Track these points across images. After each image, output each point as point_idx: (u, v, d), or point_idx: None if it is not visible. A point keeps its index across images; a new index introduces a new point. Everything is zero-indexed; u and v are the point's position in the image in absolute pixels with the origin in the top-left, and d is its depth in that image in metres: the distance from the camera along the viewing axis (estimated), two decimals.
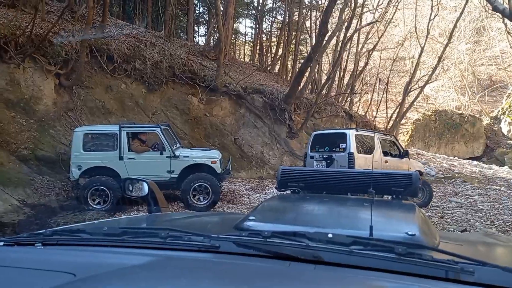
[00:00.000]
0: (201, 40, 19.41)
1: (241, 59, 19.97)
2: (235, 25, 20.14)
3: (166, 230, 1.14)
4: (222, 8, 13.95)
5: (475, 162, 18.19)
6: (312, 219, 1.47)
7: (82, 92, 10.14)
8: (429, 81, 18.91)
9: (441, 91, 26.92)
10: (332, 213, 1.59)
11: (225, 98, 12.64)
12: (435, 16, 17.78)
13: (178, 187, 7.68)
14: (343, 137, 8.24)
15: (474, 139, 20.13)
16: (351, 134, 8.19)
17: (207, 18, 18.81)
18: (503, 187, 12.53)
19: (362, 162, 8.05)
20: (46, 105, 9.31)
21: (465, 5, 17.21)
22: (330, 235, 1.00)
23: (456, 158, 18.11)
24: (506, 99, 21.95)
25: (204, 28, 20.09)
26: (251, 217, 1.40)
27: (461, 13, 17.68)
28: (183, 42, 14.55)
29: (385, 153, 9.14)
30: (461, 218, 7.80)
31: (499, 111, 21.78)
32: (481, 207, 8.96)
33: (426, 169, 10.19)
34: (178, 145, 8.32)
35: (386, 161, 8.71)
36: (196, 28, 19.71)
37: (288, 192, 1.94)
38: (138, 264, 0.98)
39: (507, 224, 7.18)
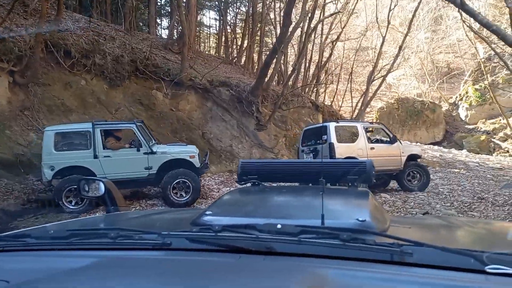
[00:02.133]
0: (164, 33, 18.99)
1: (206, 52, 19.72)
2: (199, 17, 19.84)
3: (116, 230, 1.11)
4: (184, 0, 13.68)
5: (436, 147, 18.99)
6: (267, 211, 1.48)
7: (39, 90, 9.66)
8: (391, 70, 19.47)
9: (403, 79, 27.81)
10: (287, 203, 1.61)
11: (191, 92, 12.46)
12: (394, 6, 18.26)
13: (157, 184, 7.65)
14: (325, 130, 8.95)
15: (434, 125, 21.00)
16: (331, 126, 8.91)
17: (169, 10, 18.39)
18: (462, 170, 13.18)
19: (344, 151, 8.69)
20: (1, 105, 8.81)
21: None
22: (279, 226, 1.02)
23: (418, 143, 18.82)
24: (463, 86, 22.99)
25: (167, 20, 19.67)
26: (207, 212, 1.40)
27: (419, 3, 18.27)
28: (145, 35, 14.17)
29: (376, 141, 9.77)
30: (423, 201, 8.13)
31: (457, 97, 22.79)
32: (442, 190, 9.39)
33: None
34: (153, 141, 8.23)
35: (372, 148, 9.20)
36: (158, 21, 19.26)
37: (249, 184, 1.96)
38: (84, 266, 0.96)
39: (465, 204, 7.57)
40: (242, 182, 1.99)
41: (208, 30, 22.35)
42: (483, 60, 20.81)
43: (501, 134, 18.67)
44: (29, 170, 8.40)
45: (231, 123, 13.21)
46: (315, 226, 1.06)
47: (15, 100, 9.17)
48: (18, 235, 1.24)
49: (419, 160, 9.95)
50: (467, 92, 21.69)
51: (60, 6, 10.29)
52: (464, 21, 15.22)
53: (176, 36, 15.27)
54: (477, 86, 20.98)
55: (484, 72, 19.41)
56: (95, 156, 7.19)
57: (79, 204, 6.97)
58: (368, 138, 9.42)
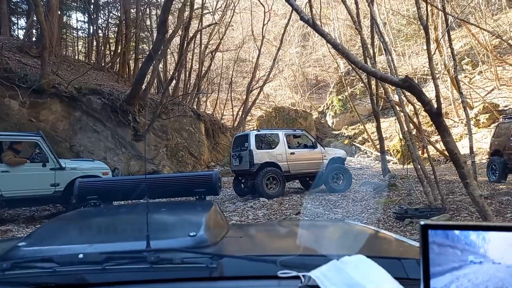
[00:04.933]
0: (21, 34, 16.64)
1: (74, 57, 17.97)
2: (65, 19, 18.01)
3: None
4: None
5: None
6: (93, 236, 1.34)
7: None
8: (267, 81, 20.67)
9: (279, 89, 29.82)
10: (119, 225, 1.48)
11: (55, 100, 11.13)
12: (268, 22, 19.47)
13: (64, 202, 7.09)
14: (247, 137, 9.77)
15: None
16: (252, 134, 9.81)
17: (27, 8, 16.20)
18: None
19: (261, 157, 9.53)
20: None
21: (291, 13, 19.34)
22: (80, 256, 0.96)
23: None
24: (329, 96, 25.72)
25: (25, 19, 17.28)
26: (20, 244, 1.19)
27: (289, 20, 19.85)
28: None
29: (298, 146, 10.58)
30: (297, 202, 8.70)
31: (324, 106, 25.36)
32: (313, 190, 10.20)
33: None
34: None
35: (292, 153, 9.93)
36: (14, 20, 16.85)
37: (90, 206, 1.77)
38: None
39: (331, 202, 8.35)
40: (82, 204, 1.78)
41: (76, 33, 20.37)
42: (343, 74, 23.65)
43: (360, 138, 21.39)
44: None
45: (105, 133, 12.22)
46: (126, 251, 1.02)
47: None
48: None
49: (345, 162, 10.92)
50: (332, 102, 24.30)
51: None
52: None
53: (35, 38, 13.53)
54: (340, 97, 23.68)
55: (345, 85, 22.06)
56: None
57: None
58: (289, 144, 10.10)
